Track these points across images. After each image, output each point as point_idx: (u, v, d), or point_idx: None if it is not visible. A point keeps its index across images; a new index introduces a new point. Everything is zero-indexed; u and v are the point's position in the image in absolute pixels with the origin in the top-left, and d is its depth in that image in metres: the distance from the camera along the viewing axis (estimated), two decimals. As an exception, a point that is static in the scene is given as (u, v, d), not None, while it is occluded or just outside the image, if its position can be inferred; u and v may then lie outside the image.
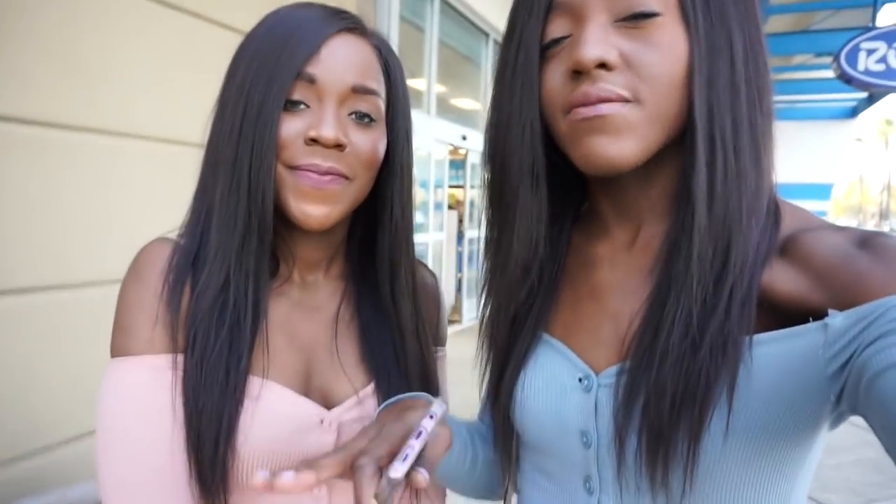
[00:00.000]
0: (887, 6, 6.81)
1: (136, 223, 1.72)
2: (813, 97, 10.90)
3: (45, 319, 1.52)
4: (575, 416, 0.58)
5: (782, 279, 0.50)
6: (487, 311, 0.67)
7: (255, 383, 0.63)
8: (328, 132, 0.62)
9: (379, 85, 0.68)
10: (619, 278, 0.60)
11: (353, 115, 0.66)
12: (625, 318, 0.56)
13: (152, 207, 1.74)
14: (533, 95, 0.55)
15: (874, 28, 6.14)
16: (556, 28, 0.54)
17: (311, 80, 0.63)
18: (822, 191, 11.16)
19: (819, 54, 8.24)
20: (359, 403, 0.70)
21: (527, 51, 0.55)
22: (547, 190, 0.59)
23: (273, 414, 0.64)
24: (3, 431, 1.44)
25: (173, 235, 0.68)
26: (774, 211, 0.54)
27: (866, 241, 0.47)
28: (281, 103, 0.62)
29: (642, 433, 0.50)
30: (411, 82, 5.54)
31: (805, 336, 0.47)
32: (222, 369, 0.61)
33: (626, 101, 0.50)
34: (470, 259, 6.87)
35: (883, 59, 6.04)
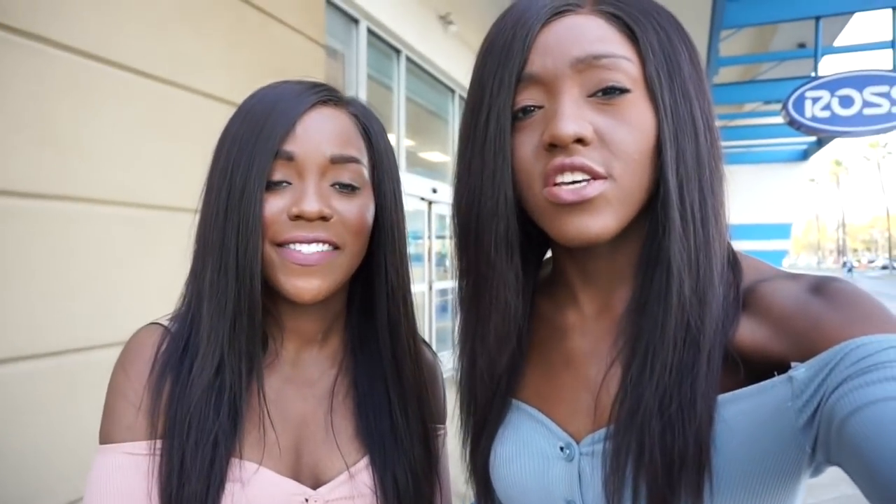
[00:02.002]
0: (826, 57, 7.23)
1: (109, 288, 1.68)
2: (766, 141, 11.40)
3: (20, 388, 1.46)
4: (559, 486, 0.57)
5: (745, 331, 0.51)
6: (465, 373, 0.65)
7: (238, 466, 0.62)
8: (310, 206, 0.62)
9: (359, 152, 0.68)
10: (590, 346, 0.60)
11: (336, 186, 0.66)
12: (599, 385, 0.56)
13: (126, 271, 1.71)
14: (506, 165, 0.55)
15: (817, 77, 6.50)
16: (527, 98, 0.54)
17: (290, 158, 0.64)
18: (782, 230, 11.54)
19: (767, 102, 8.68)
20: (350, 479, 0.68)
21: (498, 120, 0.54)
22: (520, 259, 0.58)
23: (256, 497, 0.62)
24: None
25: (164, 321, 0.68)
26: (733, 264, 0.55)
27: (819, 288, 0.49)
28: (262, 184, 0.62)
29: (637, 500, 0.49)
30: (380, 138, 5.59)
31: (772, 391, 0.47)
32: (208, 454, 0.59)
33: (601, 177, 0.51)
34: (443, 310, 6.82)
35: (828, 107, 6.37)
